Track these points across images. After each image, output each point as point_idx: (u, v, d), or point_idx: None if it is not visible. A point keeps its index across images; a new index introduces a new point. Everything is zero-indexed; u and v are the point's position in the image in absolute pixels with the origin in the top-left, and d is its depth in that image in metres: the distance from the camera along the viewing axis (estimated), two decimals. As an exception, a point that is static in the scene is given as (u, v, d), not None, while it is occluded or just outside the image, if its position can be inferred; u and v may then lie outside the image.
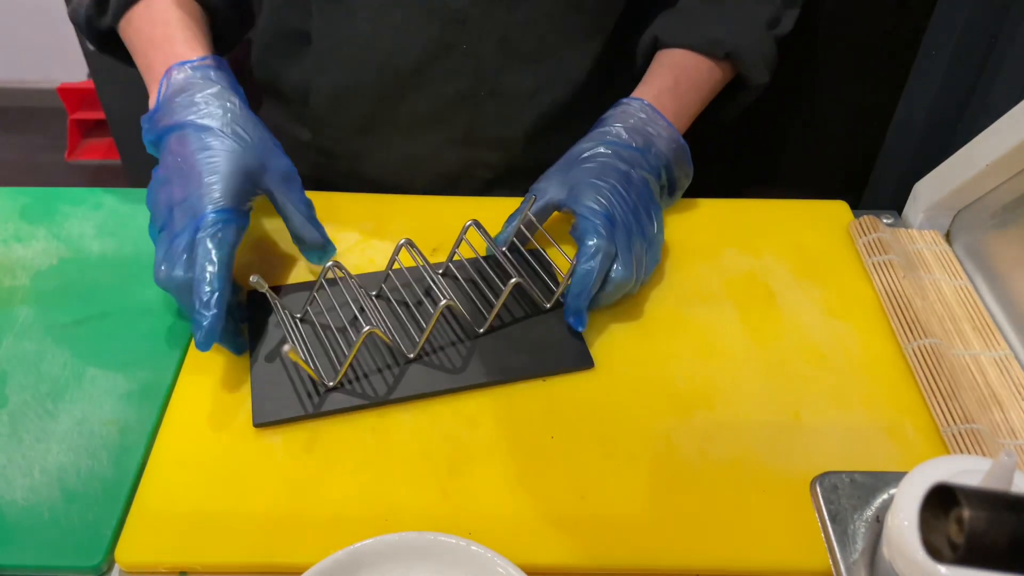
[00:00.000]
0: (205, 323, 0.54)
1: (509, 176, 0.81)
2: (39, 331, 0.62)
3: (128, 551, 0.49)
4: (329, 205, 0.73)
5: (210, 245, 0.56)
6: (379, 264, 0.68)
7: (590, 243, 0.60)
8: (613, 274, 0.60)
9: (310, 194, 0.68)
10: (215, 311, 0.54)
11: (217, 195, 0.57)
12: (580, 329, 0.61)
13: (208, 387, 0.58)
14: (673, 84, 0.72)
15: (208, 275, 0.55)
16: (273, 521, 0.50)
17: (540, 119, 0.78)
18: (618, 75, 0.80)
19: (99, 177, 2.32)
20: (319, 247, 0.64)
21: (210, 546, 0.49)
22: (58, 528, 0.50)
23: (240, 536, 0.50)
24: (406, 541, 0.46)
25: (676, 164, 0.69)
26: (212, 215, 0.57)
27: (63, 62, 2.31)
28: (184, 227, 0.57)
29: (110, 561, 0.49)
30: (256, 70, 0.83)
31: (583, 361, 0.60)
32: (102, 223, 0.72)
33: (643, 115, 0.68)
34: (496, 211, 0.72)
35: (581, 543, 0.50)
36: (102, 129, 2.36)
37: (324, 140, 0.81)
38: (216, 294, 0.55)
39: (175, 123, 0.61)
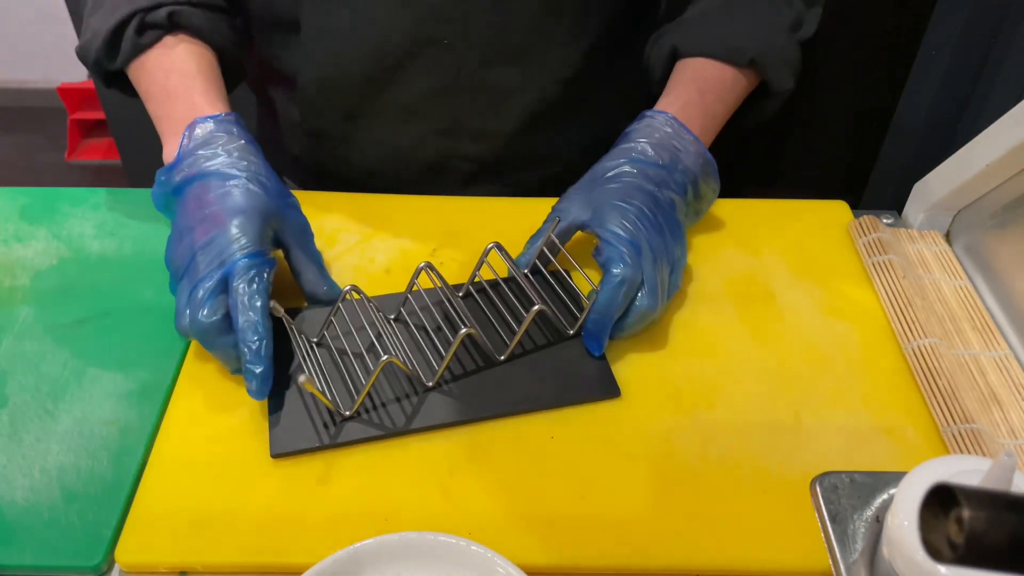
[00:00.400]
0: (259, 371, 0.54)
1: (494, 168, 0.81)
2: (39, 331, 0.62)
3: (128, 551, 0.49)
4: (329, 205, 0.73)
5: (249, 291, 0.55)
6: (379, 264, 0.68)
7: (615, 271, 0.58)
8: (637, 303, 0.59)
9: (312, 194, 0.68)
10: (266, 360, 0.55)
11: (245, 240, 0.57)
12: (596, 354, 0.59)
13: (208, 387, 0.58)
14: (698, 95, 0.70)
15: (252, 323, 0.55)
16: (273, 521, 0.50)
17: (526, 115, 0.77)
18: (613, 73, 0.80)
19: (99, 177, 2.32)
20: (329, 302, 0.63)
21: (210, 546, 0.49)
22: (58, 528, 0.50)
23: (240, 536, 0.50)
24: (406, 541, 0.46)
25: (703, 180, 0.67)
26: (244, 260, 0.56)
27: (63, 62, 2.31)
28: (209, 272, 0.56)
29: (110, 561, 0.49)
30: (255, 49, 0.83)
31: (609, 390, 0.58)
32: (102, 223, 0.72)
33: (668, 129, 0.66)
34: (497, 212, 0.72)
35: (581, 543, 0.50)
36: (102, 129, 2.36)
37: (313, 124, 0.81)
38: (263, 342, 0.55)
39: (197, 172, 0.60)
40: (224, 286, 0.56)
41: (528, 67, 0.75)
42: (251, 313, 0.55)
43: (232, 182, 0.60)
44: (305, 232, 0.64)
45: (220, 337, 0.55)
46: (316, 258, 0.64)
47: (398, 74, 0.74)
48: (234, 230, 0.57)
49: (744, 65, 0.71)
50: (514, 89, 0.75)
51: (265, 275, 0.57)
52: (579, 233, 0.65)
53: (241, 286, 0.55)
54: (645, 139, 0.66)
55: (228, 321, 0.56)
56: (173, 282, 0.59)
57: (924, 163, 0.73)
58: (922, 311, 0.63)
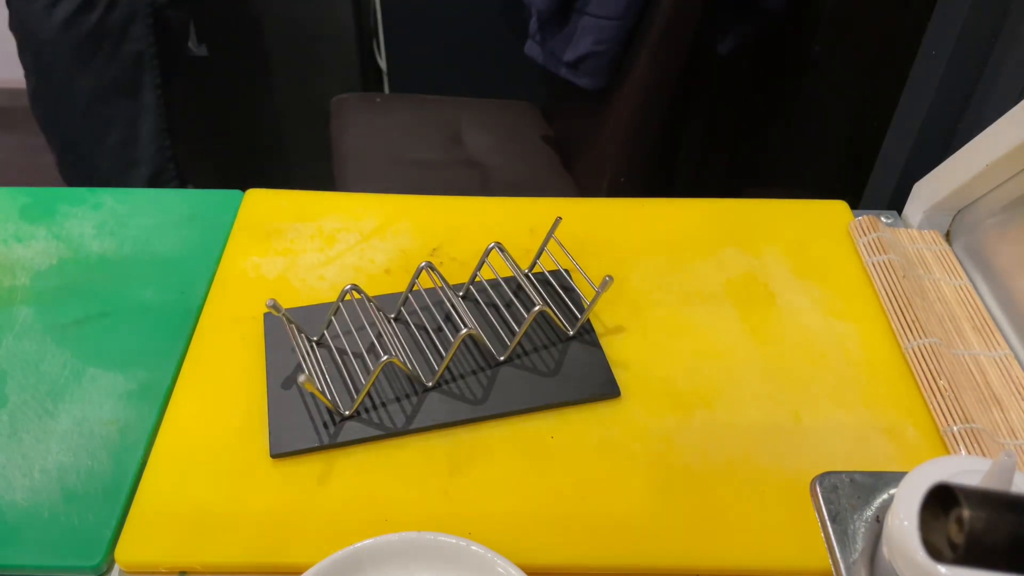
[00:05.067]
0: None
1: None
2: (39, 331, 0.62)
3: (128, 551, 0.49)
4: (329, 205, 0.73)
5: None
6: (379, 264, 0.68)
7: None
8: None
9: (312, 193, 0.67)
10: None
11: None
12: None
13: (208, 387, 0.58)
14: None
15: None
16: (273, 521, 0.50)
17: None
18: None
19: (99, 177, 2.32)
20: None
21: (210, 546, 0.49)
22: (58, 528, 0.50)
23: (240, 536, 0.50)
24: (406, 541, 0.46)
25: None
26: None
27: (63, 62, 2.30)
28: None
29: (110, 561, 0.49)
30: None
31: (609, 390, 0.58)
32: (102, 223, 0.72)
33: None
34: (497, 211, 0.72)
35: (581, 543, 0.50)
36: (102, 129, 2.36)
37: None
38: None
39: None
40: None
41: None
42: None
43: None
44: None
45: None
46: None
47: None
48: None
49: None
50: None
51: None
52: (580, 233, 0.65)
53: None
54: None
55: None
56: None
57: (924, 163, 0.73)
58: (922, 311, 0.63)
